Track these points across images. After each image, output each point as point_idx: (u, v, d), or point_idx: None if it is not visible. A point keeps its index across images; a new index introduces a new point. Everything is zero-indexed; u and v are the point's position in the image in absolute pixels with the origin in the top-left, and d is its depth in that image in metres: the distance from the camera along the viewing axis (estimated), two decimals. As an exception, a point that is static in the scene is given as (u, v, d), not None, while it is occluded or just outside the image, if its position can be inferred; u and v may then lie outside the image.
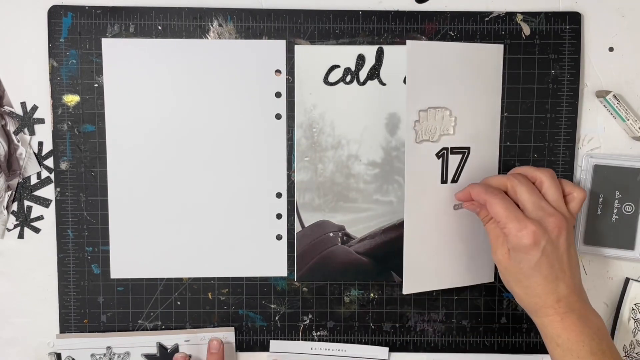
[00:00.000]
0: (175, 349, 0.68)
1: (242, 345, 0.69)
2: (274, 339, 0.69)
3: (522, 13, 0.66)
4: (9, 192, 0.66)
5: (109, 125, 0.66)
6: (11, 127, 0.66)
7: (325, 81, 0.66)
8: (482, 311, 0.69)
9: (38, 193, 0.67)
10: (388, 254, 0.67)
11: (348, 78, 0.66)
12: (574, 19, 0.66)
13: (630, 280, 0.68)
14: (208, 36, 0.65)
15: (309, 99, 0.66)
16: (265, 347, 0.69)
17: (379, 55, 0.66)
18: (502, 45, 0.66)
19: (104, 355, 0.68)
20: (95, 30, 0.65)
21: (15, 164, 0.66)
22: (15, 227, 0.67)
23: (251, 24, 0.65)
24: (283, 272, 0.68)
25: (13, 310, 0.68)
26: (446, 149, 0.64)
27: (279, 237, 0.68)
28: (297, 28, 0.66)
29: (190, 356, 0.67)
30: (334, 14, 0.66)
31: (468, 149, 0.65)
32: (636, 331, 0.68)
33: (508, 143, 0.67)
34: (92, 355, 0.67)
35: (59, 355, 0.68)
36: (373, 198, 0.67)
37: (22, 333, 0.68)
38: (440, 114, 0.63)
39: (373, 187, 0.67)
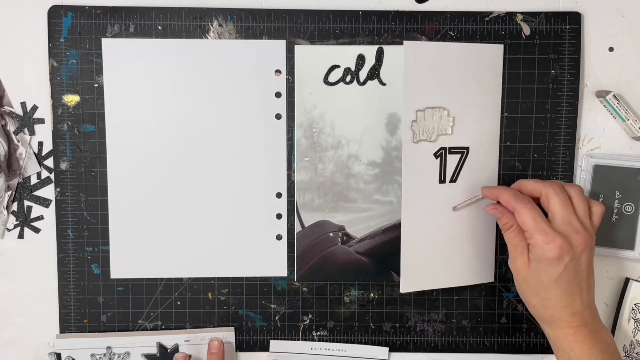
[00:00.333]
0: (175, 349, 0.68)
1: (242, 345, 0.69)
2: (274, 339, 0.69)
3: (522, 13, 0.66)
4: (9, 192, 0.66)
5: (109, 125, 0.66)
6: (11, 127, 0.66)
7: (325, 81, 0.66)
8: (482, 311, 0.69)
9: (38, 193, 0.67)
10: (388, 254, 0.67)
11: (348, 78, 0.66)
12: (574, 19, 0.66)
13: (630, 280, 0.68)
14: (208, 36, 0.65)
15: (309, 99, 0.66)
16: (265, 347, 0.69)
17: (379, 55, 0.66)
18: (502, 45, 0.66)
19: (104, 355, 0.68)
20: (95, 30, 0.65)
21: (15, 164, 0.66)
22: (15, 227, 0.67)
23: (251, 24, 0.65)
24: (283, 272, 0.68)
25: (13, 310, 0.68)
26: (444, 148, 0.64)
27: (279, 237, 0.68)
28: (297, 28, 0.66)
29: (190, 356, 0.67)
30: (334, 14, 0.66)
31: (467, 148, 0.65)
32: (636, 331, 0.68)
33: (508, 143, 0.67)
34: (92, 355, 0.68)
35: (59, 355, 0.68)
36: (373, 198, 0.67)
37: (22, 333, 0.68)
38: (438, 114, 0.63)
39: (373, 187, 0.67)
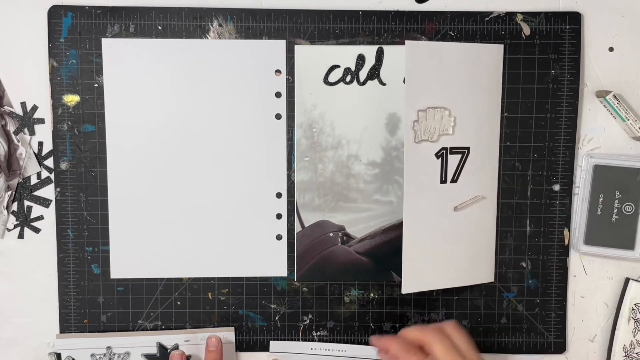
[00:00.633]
0: (175, 349, 0.68)
1: (242, 345, 0.69)
2: (274, 339, 0.69)
3: (522, 13, 0.66)
4: (9, 192, 0.66)
5: (109, 125, 0.66)
6: (11, 127, 0.66)
7: (325, 81, 0.66)
8: (482, 311, 0.69)
9: (38, 193, 0.67)
10: (388, 254, 0.67)
11: (348, 78, 0.66)
12: (574, 19, 0.66)
13: (630, 280, 0.68)
14: (208, 36, 0.65)
15: (309, 99, 0.66)
16: (265, 347, 0.69)
17: (379, 55, 0.66)
18: (502, 45, 0.66)
19: (104, 355, 0.68)
20: (95, 30, 0.65)
21: (15, 164, 0.66)
22: (15, 227, 0.67)
23: (251, 24, 0.65)
24: (283, 272, 0.68)
25: (13, 310, 0.68)
26: (445, 149, 0.64)
27: (279, 237, 0.68)
28: (297, 28, 0.66)
29: (190, 356, 0.67)
30: (334, 14, 0.66)
31: (468, 149, 0.65)
32: (636, 331, 0.68)
33: (508, 143, 0.67)
34: (92, 355, 0.67)
35: (59, 355, 0.68)
36: (373, 198, 0.67)
37: (22, 333, 0.68)
38: (439, 114, 0.63)
39: (373, 187, 0.67)
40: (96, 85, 0.65)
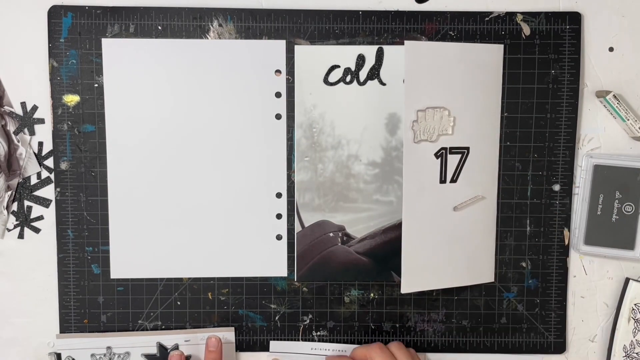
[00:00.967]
0: (175, 349, 0.68)
1: (242, 345, 0.69)
2: (274, 339, 0.69)
3: (522, 13, 0.66)
4: (9, 192, 0.66)
5: (109, 125, 0.66)
6: (11, 127, 0.66)
7: (325, 81, 0.66)
8: (482, 311, 0.69)
9: (38, 193, 0.67)
10: (388, 254, 0.67)
11: (348, 78, 0.66)
12: (574, 19, 0.66)
13: (630, 280, 0.68)
14: (208, 36, 0.65)
15: (309, 99, 0.66)
16: (265, 347, 0.69)
17: (379, 56, 0.66)
18: (502, 45, 0.66)
19: (104, 355, 0.68)
20: (95, 30, 0.65)
21: (15, 164, 0.66)
22: (15, 227, 0.67)
23: (251, 24, 0.65)
24: (283, 272, 0.68)
25: (13, 310, 0.68)
26: (445, 149, 0.64)
27: (279, 237, 0.68)
28: (297, 28, 0.66)
29: (190, 356, 0.67)
30: (334, 14, 0.66)
31: (467, 149, 0.65)
32: (636, 331, 0.68)
33: (508, 143, 0.67)
34: (92, 355, 0.68)
35: (59, 355, 0.68)
36: (373, 198, 0.67)
37: (22, 333, 0.68)
38: (438, 114, 0.63)
39: (373, 187, 0.67)
40: (96, 85, 0.66)
